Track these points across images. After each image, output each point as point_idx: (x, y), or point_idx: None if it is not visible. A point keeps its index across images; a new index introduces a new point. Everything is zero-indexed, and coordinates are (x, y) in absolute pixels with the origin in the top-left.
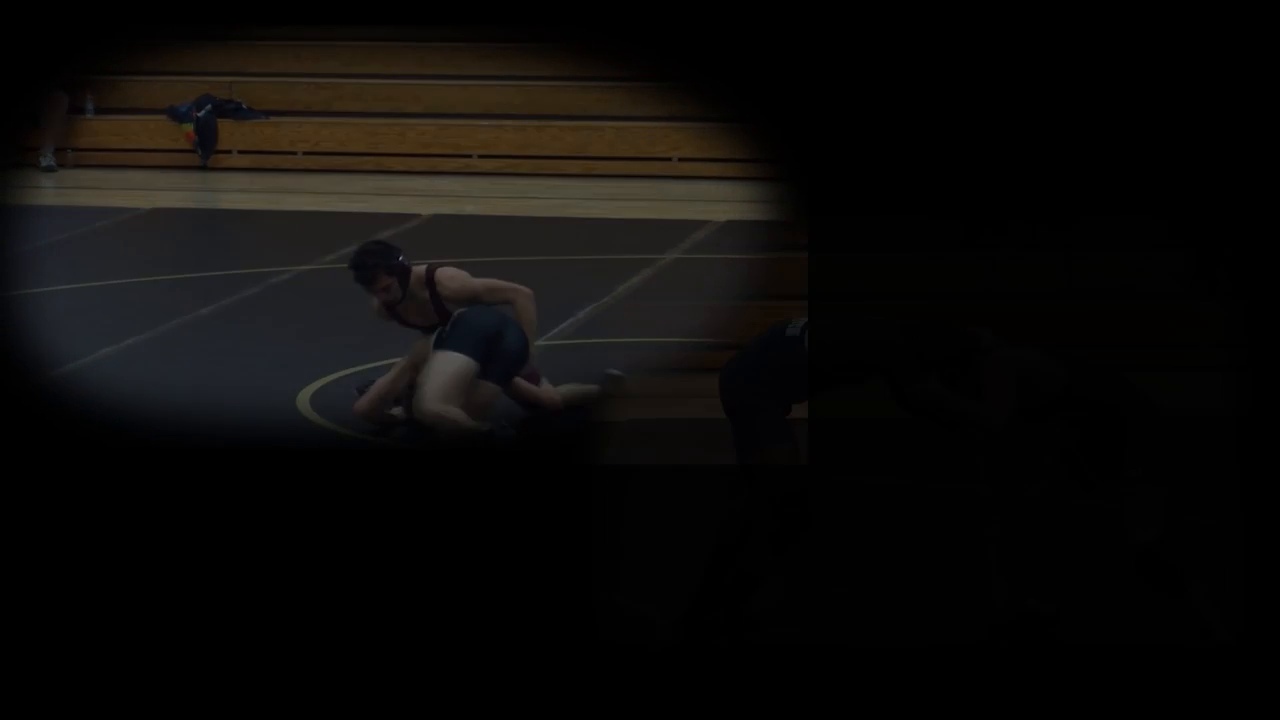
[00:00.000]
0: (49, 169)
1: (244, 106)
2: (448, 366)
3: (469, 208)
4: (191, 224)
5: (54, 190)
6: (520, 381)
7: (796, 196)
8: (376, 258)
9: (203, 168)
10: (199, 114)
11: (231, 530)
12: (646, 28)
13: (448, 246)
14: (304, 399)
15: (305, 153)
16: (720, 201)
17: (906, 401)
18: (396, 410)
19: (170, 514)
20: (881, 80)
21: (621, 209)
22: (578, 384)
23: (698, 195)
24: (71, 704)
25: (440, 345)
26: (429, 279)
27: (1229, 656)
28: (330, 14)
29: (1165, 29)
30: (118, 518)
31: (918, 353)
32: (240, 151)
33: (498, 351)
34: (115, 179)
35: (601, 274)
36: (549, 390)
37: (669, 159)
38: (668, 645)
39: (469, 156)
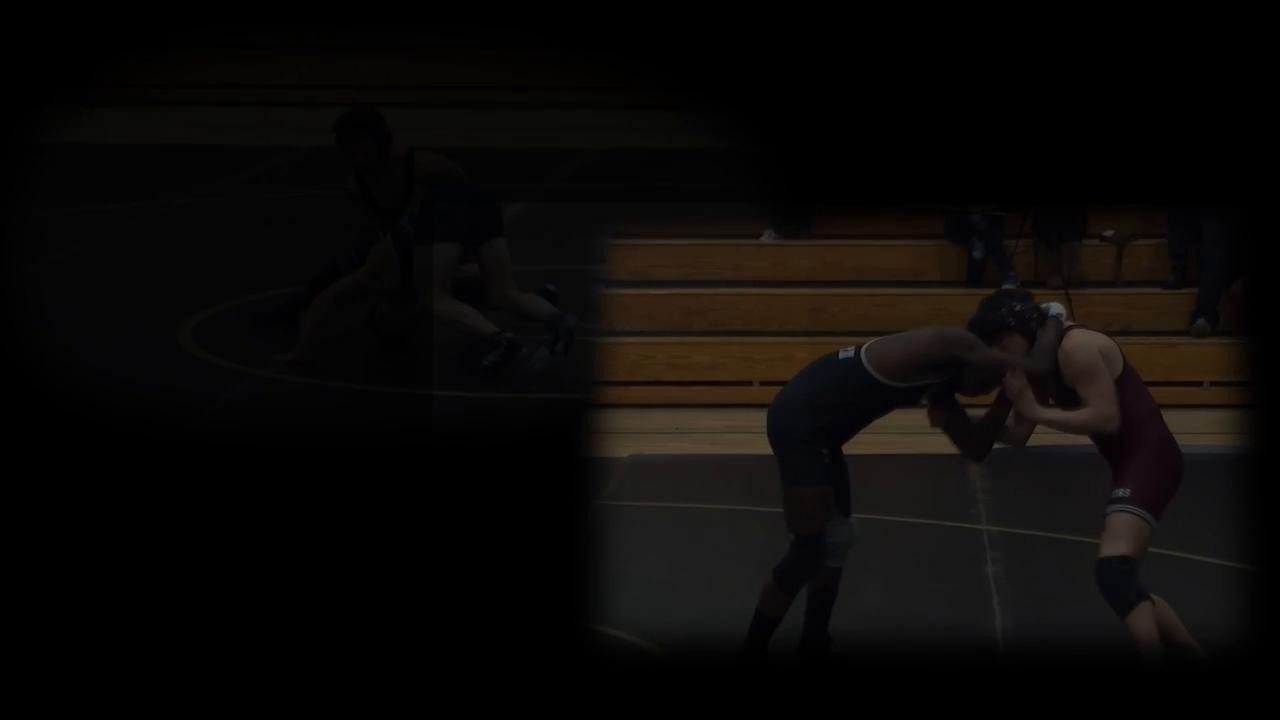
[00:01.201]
0: None
1: None
2: (441, 259)
3: None
4: (70, 159)
5: None
6: None
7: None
8: (361, 117)
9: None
10: None
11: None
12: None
13: (328, 177)
14: (185, 331)
15: (184, 86)
16: (598, 129)
17: (969, 377)
18: (287, 356)
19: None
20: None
21: (501, 139)
22: (540, 299)
23: (576, 124)
24: None
25: (419, 238)
26: (407, 158)
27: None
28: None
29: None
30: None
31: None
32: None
33: (483, 213)
34: None
35: None
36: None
37: (550, 88)
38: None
39: (348, 89)
